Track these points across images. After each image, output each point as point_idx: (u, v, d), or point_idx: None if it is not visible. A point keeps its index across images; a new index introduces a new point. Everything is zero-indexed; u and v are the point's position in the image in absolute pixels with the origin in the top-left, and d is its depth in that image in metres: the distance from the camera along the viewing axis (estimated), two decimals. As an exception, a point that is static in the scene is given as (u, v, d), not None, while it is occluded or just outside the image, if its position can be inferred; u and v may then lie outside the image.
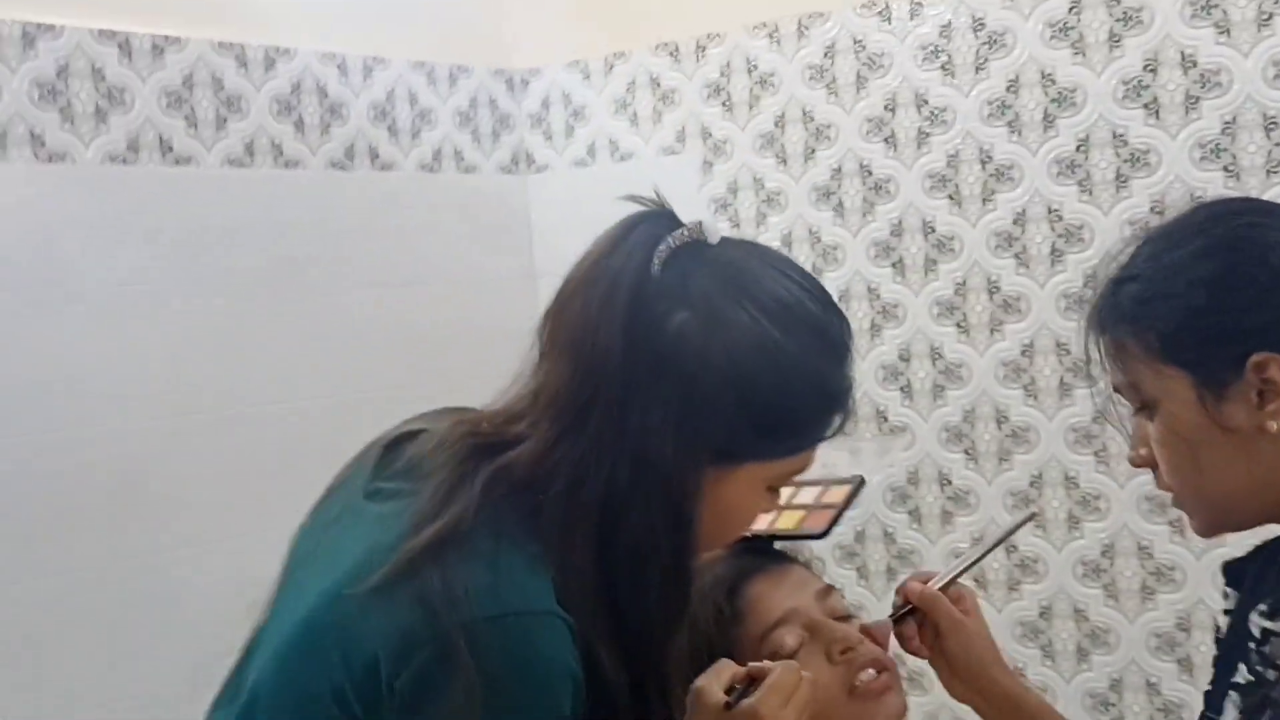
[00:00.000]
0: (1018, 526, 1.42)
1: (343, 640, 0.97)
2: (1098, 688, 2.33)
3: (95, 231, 2.15)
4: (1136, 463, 1.07)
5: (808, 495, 1.35)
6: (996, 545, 1.43)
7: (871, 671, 1.22)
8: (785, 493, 1.31)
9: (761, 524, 1.31)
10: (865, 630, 1.26)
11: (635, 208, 1.08)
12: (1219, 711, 1.09)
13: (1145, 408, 1.04)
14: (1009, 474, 2.36)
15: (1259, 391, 0.97)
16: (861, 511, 2.49)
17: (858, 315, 2.51)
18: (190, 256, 2.27)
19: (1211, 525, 1.07)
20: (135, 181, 2.21)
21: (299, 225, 2.43)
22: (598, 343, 1.01)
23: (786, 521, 1.32)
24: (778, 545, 1.34)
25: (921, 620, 1.27)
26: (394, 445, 1.11)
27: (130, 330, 2.19)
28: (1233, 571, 1.15)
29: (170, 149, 2.26)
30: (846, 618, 1.28)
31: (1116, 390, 1.06)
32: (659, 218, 1.07)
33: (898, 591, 1.29)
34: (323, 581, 1.02)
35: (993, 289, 2.36)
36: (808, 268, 2.42)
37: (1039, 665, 2.37)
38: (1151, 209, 2.19)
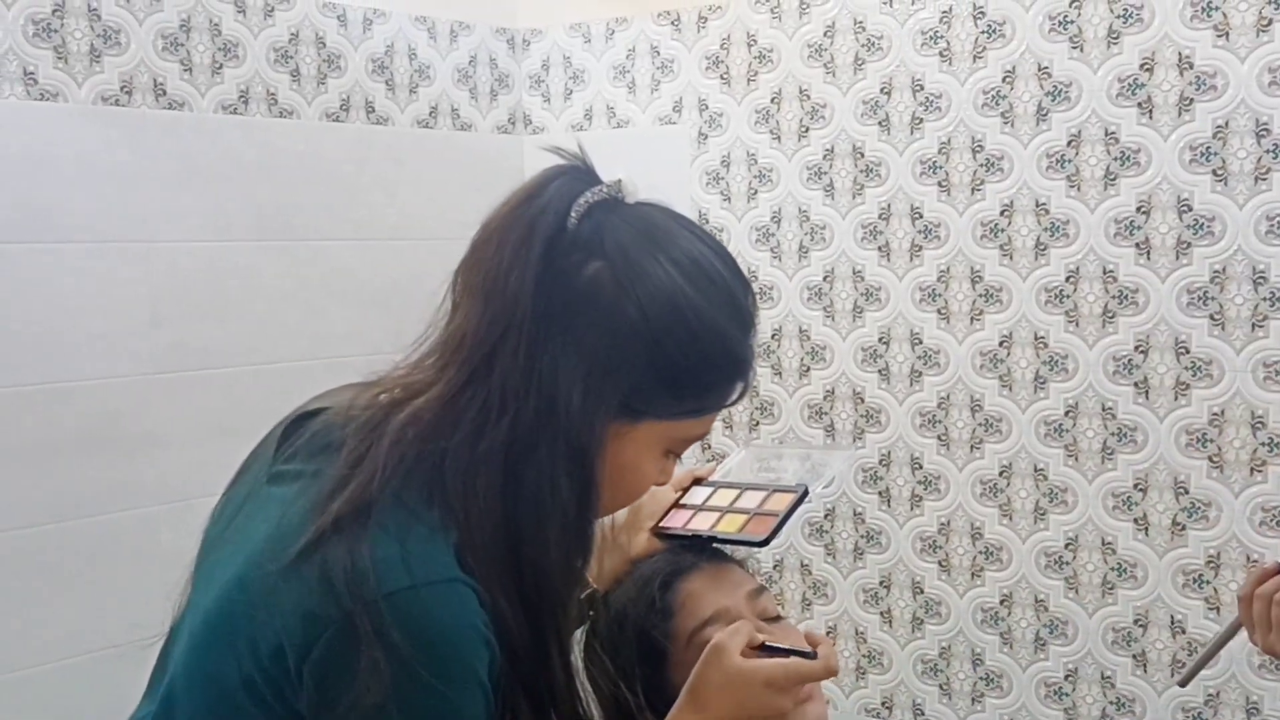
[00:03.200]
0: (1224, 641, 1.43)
1: (250, 627, 0.96)
2: (1053, 677, 2.35)
3: (85, 172, 2.15)
4: None
5: (751, 500, 1.34)
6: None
7: None
8: (727, 495, 1.36)
9: (703, 524, 1.33)
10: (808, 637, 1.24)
11: (555, 160, 1.07)
12: None
13: None
14: (979, 461, 2.38)
15: None
16: (833, 490, 2.51)
17: (841, 296, 2.52)
18: (179, 201, 2.28)
19: None
20: (127, 123, 2.21)
21: (290, 174, 2.42)
22: (509, 288, 1.00)
23: (729, 525, 1.32)
24: (716, 544, 1.33)
25: None
26: (294, 426, 1.10)
27: (117, 273, 2.20)
28: None
29: (164, 92, 2.27)
30: (776, 619, 1.28)
31: None
32: (578, 173, 1.06)
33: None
34: (228, 569, 1.01)
35: (975, 278, 2.36)
36: (795, 246, 2.52)
37: (996, 652, 2.40)
38: (1138, 209, 2.18)
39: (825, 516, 2.57)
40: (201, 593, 1.05)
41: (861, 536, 2.54)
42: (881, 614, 2.52)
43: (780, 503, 1.31)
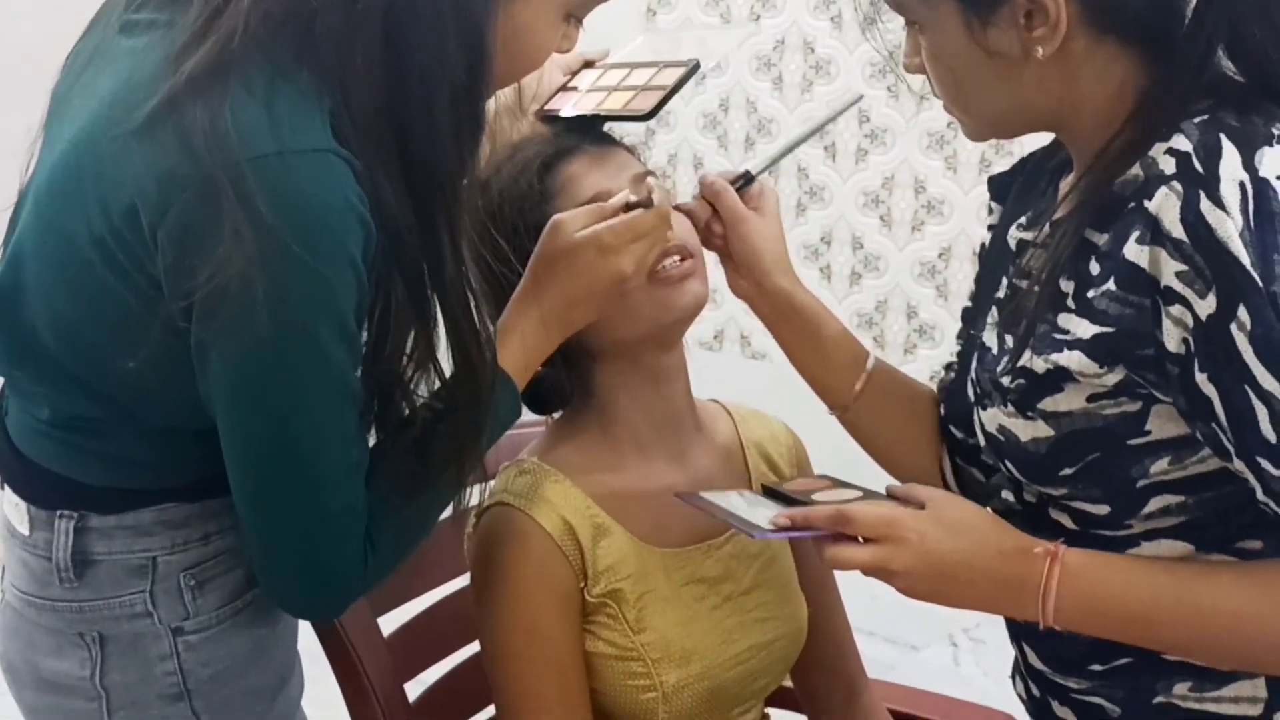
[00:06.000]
0: (838, 113, 1.32)
1: (99, 185, 0.90)
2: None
3: None
4: (909, 70, 1.03)
5: (640, 77, 1.24)
6: (810, 135, 1.34)
7: (675, 259, 1.15)
8: (617, 75, 1.27)
9: (589, 104, 1.24)
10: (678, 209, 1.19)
11: None
12: (980, 321, 1.09)
13: (914, 24, 1.00)
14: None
15: (1026, 14, 0.93)
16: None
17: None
18: None
19: (978, 134, 1.05)
20: None
21: None
22: None
23: (614, 102, 1.22)
24: (605, 129, 1.25)
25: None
26: None
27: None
28: (998, 186, 1.14)
29: None
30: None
31: (887, 2, 1.01)
32: None
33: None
34: (76, 124, 0.94)
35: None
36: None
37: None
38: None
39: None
40: (49, 149, 0.98)
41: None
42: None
43: (669, 77, 1.22)
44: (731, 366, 2.55)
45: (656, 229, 1.09)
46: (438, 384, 1.02)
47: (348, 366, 0.93)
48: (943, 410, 1.16)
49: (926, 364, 2.32)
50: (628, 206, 1.10)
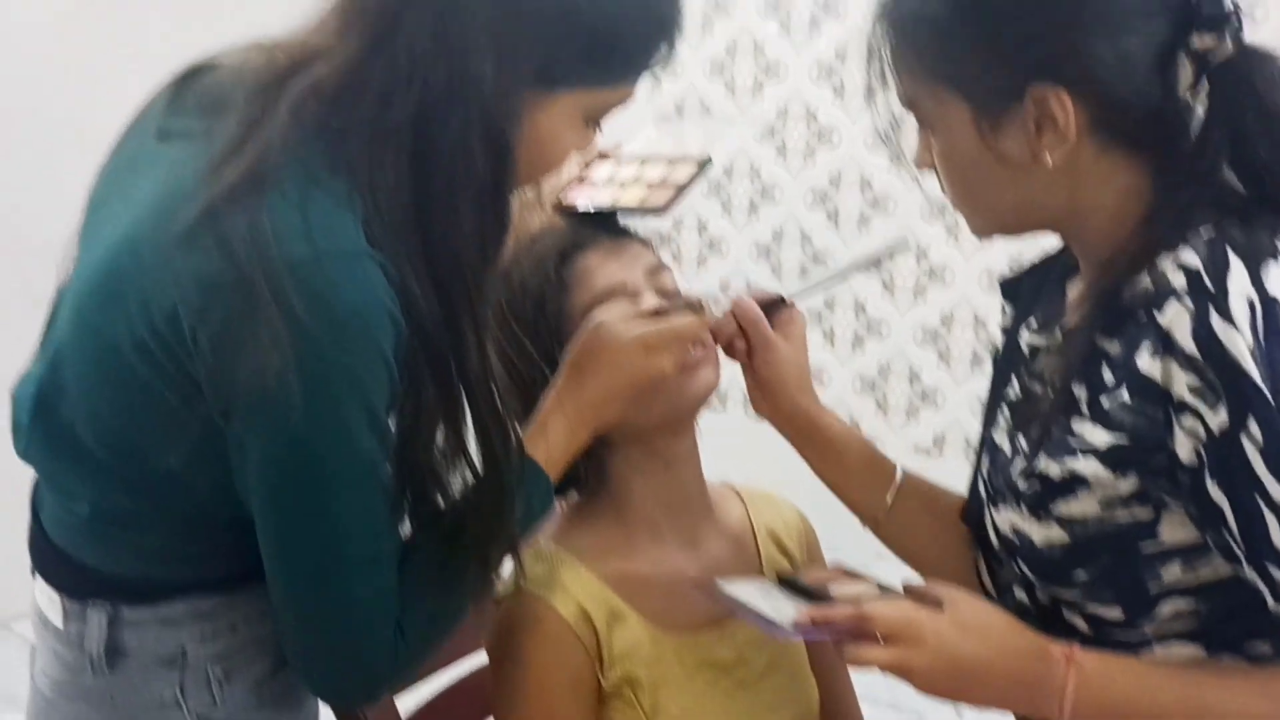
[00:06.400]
0: (877, 257, 1.38)
1: (141, 290, 0.93)
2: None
3: None
4: (920, 166, 1.05)
5: (654, 172, 1.28)
6: (846, 272, 1.36)
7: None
8: (631, 169, 1.30)
9: (604, 198, 1.27)
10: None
11: None
12: (993, 422, 1.11)
13: (925, 124, 1.03)
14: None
15: (1036, 121, 0.95)
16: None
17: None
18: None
19: (984, 231, 1.07)
20: None
21: None
22: None
23: (630, 196, 1.26)
24: (621, 221, 1.28)
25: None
26: (185, 81, 1.04)
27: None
28: (1009, 288, 1.17)
29: None
30: (675, 296, 1.21)
31: (899, 100, 1.03)
32: None
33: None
34: (116, 230, 0.97)
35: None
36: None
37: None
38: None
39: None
40: (88, 253, 1.01)
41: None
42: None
43: (682, 173, 1.27)
44: (735, 429, 2.57)
45: (697, 332, 1.12)
46: (471, 477, 1.04)
47: (379, 459, 0.96)
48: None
49: (929, 428, 2.34)
50: (659, 310, 1.13)
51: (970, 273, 2.26)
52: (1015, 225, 1.05)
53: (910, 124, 1.05)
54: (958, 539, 1.18)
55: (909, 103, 1.02)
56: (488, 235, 0.99)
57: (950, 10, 0.96)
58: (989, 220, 1.05)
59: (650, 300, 1.15)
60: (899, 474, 1.20)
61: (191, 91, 1.01)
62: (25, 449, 1.04)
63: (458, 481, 1.03)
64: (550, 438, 1.09)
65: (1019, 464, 1.02)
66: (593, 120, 1.05)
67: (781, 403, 1.19)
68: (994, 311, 2.19)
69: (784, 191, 2.45)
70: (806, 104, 2.38)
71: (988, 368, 2.05)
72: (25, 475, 1.10)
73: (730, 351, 1.20)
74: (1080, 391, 0.97)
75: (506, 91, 0.95)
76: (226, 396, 0.90)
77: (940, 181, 1.04)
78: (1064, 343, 1.01)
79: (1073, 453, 0.96)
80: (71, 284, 1.02)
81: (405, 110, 0.93)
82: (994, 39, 0.95)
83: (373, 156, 0.94)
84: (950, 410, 2.31)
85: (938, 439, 2.31)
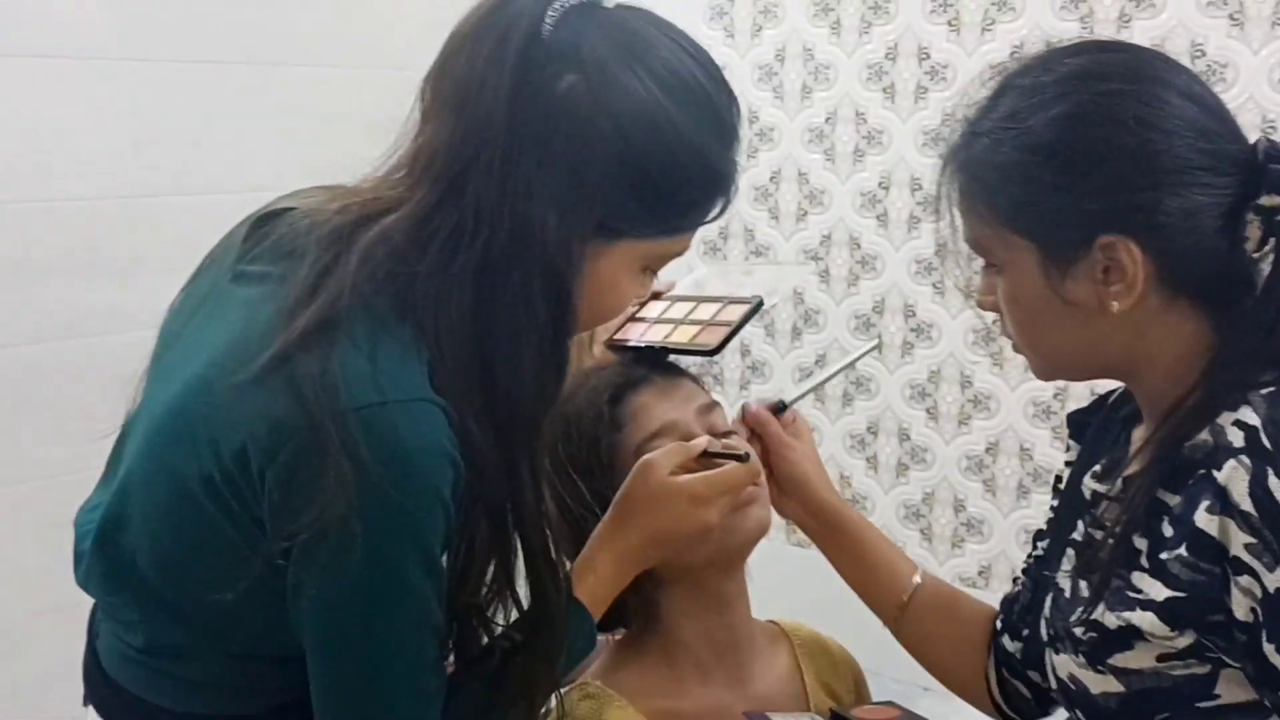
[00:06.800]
0: (859, 356, 1.41)
1: (211, 428, 0.95)
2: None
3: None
4: (983, 307, 1.07)
5: (705, 312, 1.31)
6: (837, 373, 1.44)
7: None
8: (683, 308, 1.34)
9: (656, 335, 1.30)
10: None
11: None
12: (1056, 563, 1.10)
13: (992, 266, 1.04)
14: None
15: (1104, 269, 0.96)
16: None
17: (844, 139, 2.45)
18: (164, 21, 2.16)
19: (1048, 374, 1.08)
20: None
21: None
22: (482, 101, 0.96)
23: (681, 335, 1.29)
24: (671, 359, 1.30)
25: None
26: (260, 224, 1.06)
27: (101, 92, 2.09)
28: (1076, 423, 1.17)
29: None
30: (727, 434, 1.23)
31: (965, 241, 1.05)
32: None
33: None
34: (189, 367, 0.99)
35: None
36: (798, 87, 2.44)
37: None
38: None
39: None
40: (160, 388, 1.03)
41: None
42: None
43: (733, 313, 1.30)
44: (775, 555, 2.55)
45: (745, 483, 1.14)
46: (515, 614, 1.04)
47: (432, 600, 0.96)
48: (1000, 624, 1.18)
49: (974, 559, 2.32)
50: (708, 453, 1.15)
51: (1016, 402, 2.26)
52: (1078, 370, 1.06)
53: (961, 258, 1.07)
54: (973, 647, 1.19)
55: (975, 244, 1.04)
56: (546, 380, 1.00)
57: (1025, 158, 0.97)
58: (1052, 363, 1.05)
59: (700, 442, 1.16)
60: (917, 575, 1.21)
61: (266, 235, 1.04)
62: (85, 578, 1.06)
63: (501, 617, 1.04)
64: (597, 576, 1.10)
65: (1078, 611, 1.01)
66: (650, 269, 1.07)
67: (804, 498, 1.23)
68: (1040, 440, 2.23)
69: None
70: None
71: (1034, 498, 2.04)
72: (78, 604, 1.11)
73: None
74: (1141, 543, 0.97)
75: (568, 242, 0.97)
76: (289, 535, 0.91)
77: (1004, 322, 1.05)
78: (1125, 493, 1.01)
79: (1131, 605, 0.95)
80: (141, 416, 1.04)
81: (471, 260, 0.96)
82: (1067, 189, 0.96)
83: (438, 304, 0.96)
84: (996, 541, 2.29)
85: (983, 570, 2.29)
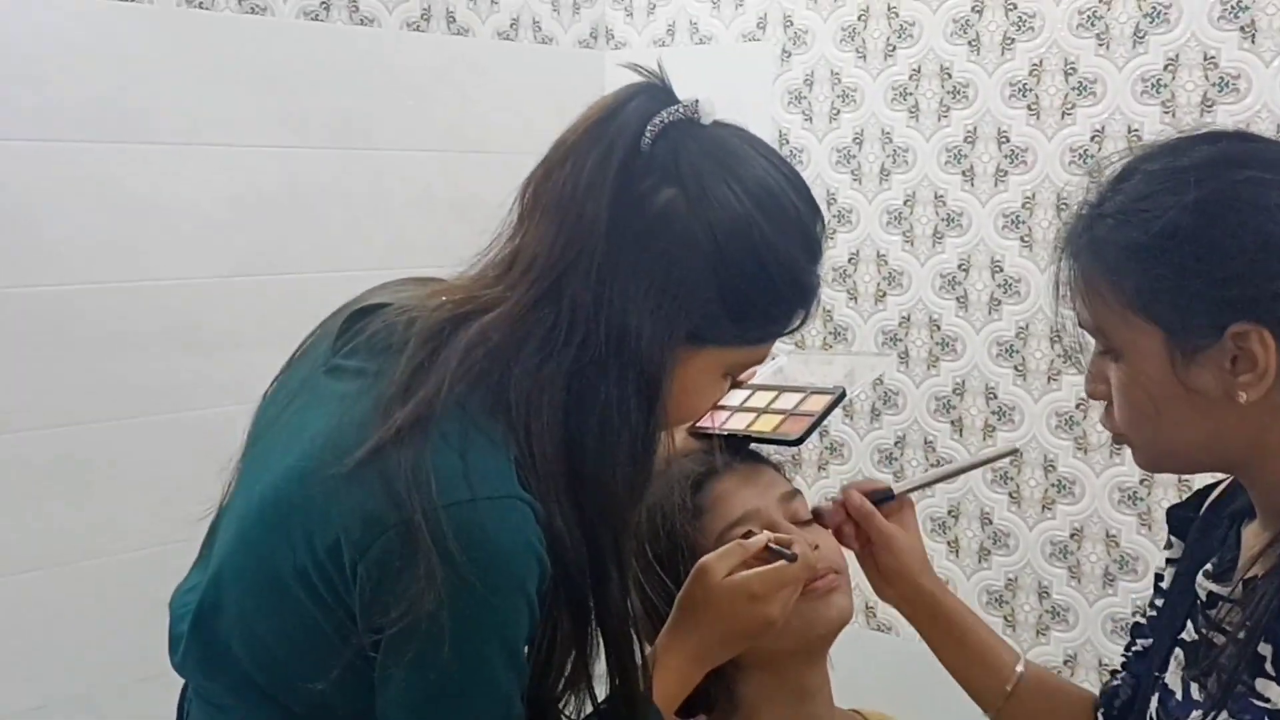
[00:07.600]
0: (990, 460, 1.41)
1: (306, 521, 0.97)
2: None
3: (168, 74, 2.13)
4: (1093, 395, 1.03)
5: (788, 401, 1.33)
6: (964, 470, 1.42)
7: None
8: (765, 397, 1.35)
9: (738, 424, 1.31)
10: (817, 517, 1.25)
11: (634, 78, 1.06)
12: (1162, 662, 1.07)
13: (1110, 351, 1.00)
14: (1056, 393, 2.32)
15: (1233, 359, 0.93)
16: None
17: (923, 220, 2.43)
18: (261, 106, 2.24)
19: (1155, 466, 1.05)
20: (210, 26, 2.15)
21: (370, 83, 2.39)
22: (584, 211, 1.00)
23: (764, 424, 1.30)
24: (752, 447, 1.32)
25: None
26: (355, 318, 1.09)
27: (198, 175, 2.17)
28: (1177, 520, 1.14)
29: (246, -5, 2.26)
30: (808, 523, 1.25)
31: (1082, 325, 1.02)
32: (655, 91, 1.05)
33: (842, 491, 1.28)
34: (285, 459, 1.01)
35: (1062, 205, 2.28)
36: (877, 169, 2.45)
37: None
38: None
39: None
40: (254, 477, 1.05)
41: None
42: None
43: (816, 404, 1.31)
44: (854, 639, 2.53)
45: (802, 579, 1.15)
46: (589, 707, 1.06)
47: (514, 693, 0.98)
48: (1101, 717, 1.15)
49: (1060, 645, 2.27)
50: (768, 548, 1.15)
51: (1101, 487, 2.23)
52: (1191, 461, 1.02)
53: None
54: None
55: (1094, 329, 1.00)
56: (635, 479, 1.02)
57: (1157, 241, 0.94)
58: (1162, 453, 1.01)
59: (760, 539, 1.16)
60: (1021, 663, 1.19)
61: (361, 330, 1.06)
62: (182, 662, 1.08)
63: (575, 708, 1.06)
64: (666, 673, 1.12)
65: (1195, 715, 0.98)
66: (731, 375, 1.10)
67: (905, 588, 1.22)
68: (1126, 527, 2.18)
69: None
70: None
71: (1121, 585, 1.99)
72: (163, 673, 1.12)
73: (840, 537, 1.23)
74: (1265, 649, 0.93)
75: (661, 349, 1.00)
76: (379, 628, 0.94)
77: (1116, 410, 1.01)
78: (1246, 596, 0.97)
79: (1256, 714, 0.92)
80: (236, 504, 1.06)
81: (565, 362, 0.99)
82: (1201, 274, 0.93)
83: (530, 403, 0.98)
84: (1082, 628, 2.25)
85: (1069, 658, 2.25)
